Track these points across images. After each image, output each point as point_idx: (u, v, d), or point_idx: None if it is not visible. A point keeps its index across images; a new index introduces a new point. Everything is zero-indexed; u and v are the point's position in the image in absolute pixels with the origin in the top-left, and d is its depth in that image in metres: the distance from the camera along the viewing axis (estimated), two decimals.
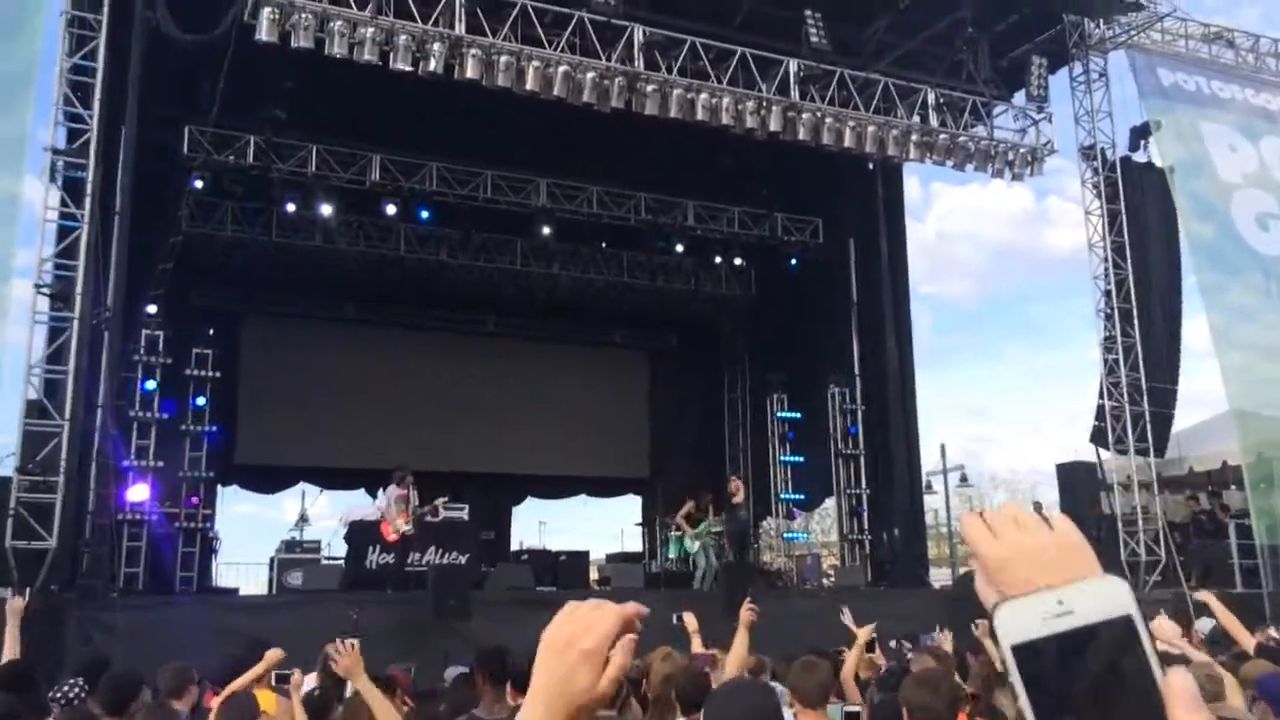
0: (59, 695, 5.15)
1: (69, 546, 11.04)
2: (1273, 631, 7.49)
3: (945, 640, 7.85)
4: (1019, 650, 0.67)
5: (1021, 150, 15.64)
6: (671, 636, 5.59)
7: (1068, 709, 0.65)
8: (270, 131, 15.54)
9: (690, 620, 5.77)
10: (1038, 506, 16.34)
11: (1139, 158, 16.99)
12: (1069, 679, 0.66)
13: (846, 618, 7.71)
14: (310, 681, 5.88)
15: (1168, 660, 0.70)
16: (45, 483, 10.84)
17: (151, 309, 15.44)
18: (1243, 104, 17.94)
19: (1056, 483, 16.91)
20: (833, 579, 18.43)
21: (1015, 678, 0.67)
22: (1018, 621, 0.68)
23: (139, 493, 14.36)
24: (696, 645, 5.73)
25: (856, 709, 4.70)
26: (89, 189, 11.60)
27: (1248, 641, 5.69)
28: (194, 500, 15.86)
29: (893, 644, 9.21)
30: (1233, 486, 17.20)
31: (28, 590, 9.71)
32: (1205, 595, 6.13)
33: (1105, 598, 0.67)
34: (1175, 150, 16.83)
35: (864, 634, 6.75)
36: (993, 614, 0.70)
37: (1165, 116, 16.89)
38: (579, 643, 1.18)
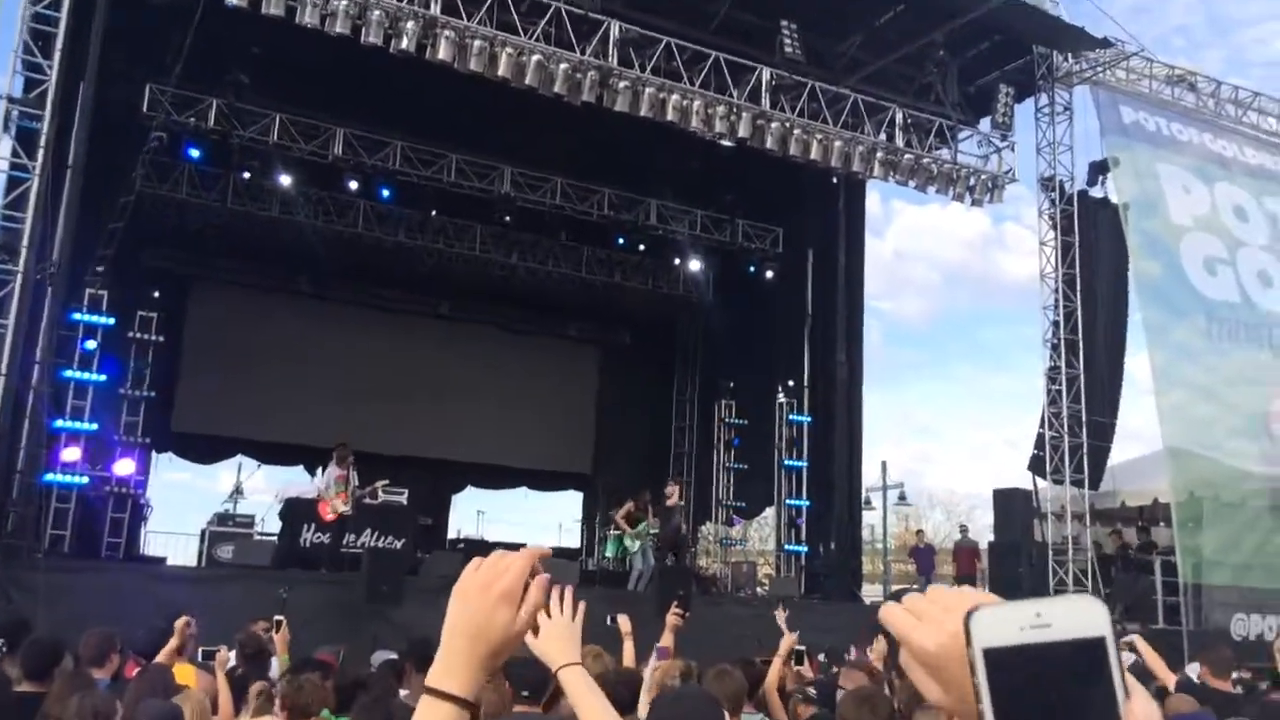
0: None
1: None
2: (1191, 670, 7.63)
3: (878, 653, 7.90)
4: (990, 654, 0.68)
5: (983, 176, 15.85)
6: (606, 637, 5.57)
7: (1027, 717, 0.67)
8: (233, 96, 15.29)
9: (625, 622, 5.74)
10: (963, 529, 16.44)
11: (1096, 192, 17.30)
12: (1035, 690, 0.67)
13: (780, 618, 7.73)
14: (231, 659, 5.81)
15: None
16: None
17: (99, 269, 15.10)
18: (1200, 148, 18.32)
19: (993, 507, 17.15)
20: (767, 588, 18.53)
21: (981, 680, 0.68)
22: (994, 627, 0.69)
23: (71, 454, 14.03)
24: (629, 647, 5.71)
25: None
26: (43, 140, 11.29)
27: (1169, 678, 5.80)
28: (123, 464, 15.53)
29: (821, 657, 9.28)
30: (1162, 523, 17.56)
31: None
32: (1134, 637, 6.25)
33: (1084, 616, 0.69)
34: (1131, 188, 17.15)
35: (786, 643, 6.78)
36: (969, 615, 0.71)
37: (1124, 154, 17.19)
38: (495, 585, 1.25)
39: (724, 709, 4.18)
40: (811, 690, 6.03)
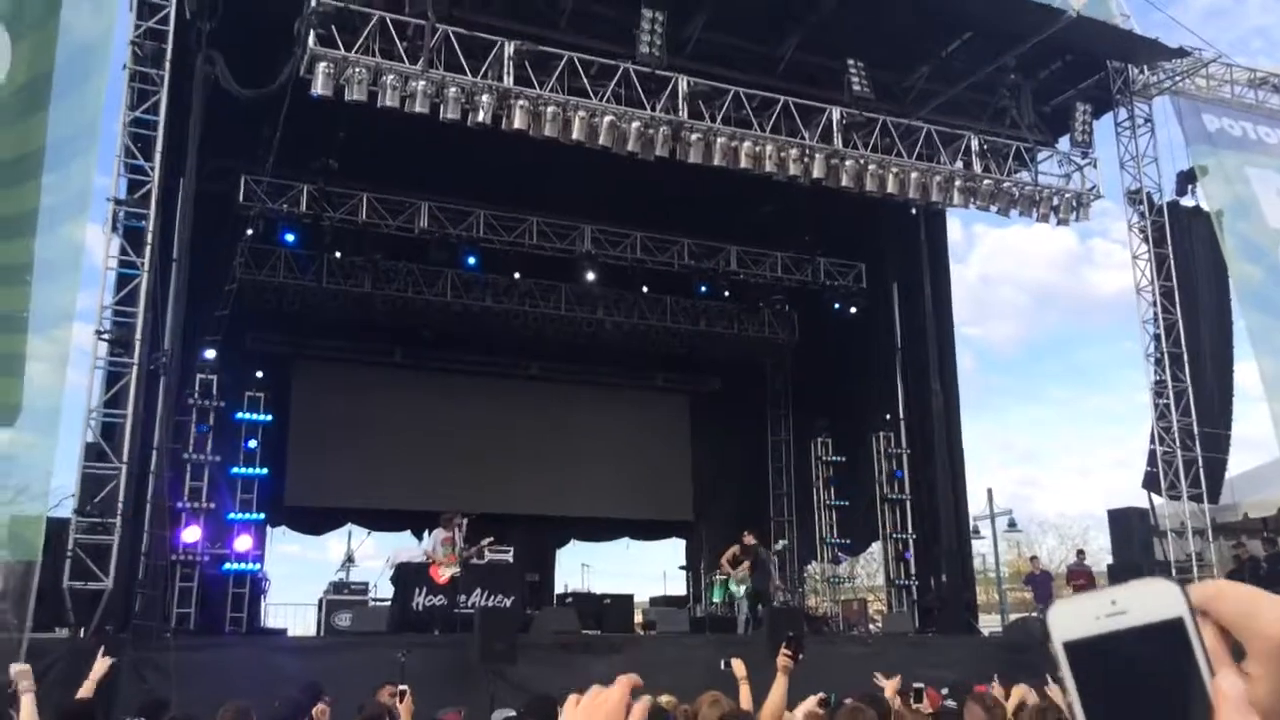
0: None
1: (124, 587, 11.19)
2: None
3: (997, 689, 7.76)
4: (1070, 647, 0.69)
5: (1066, 195, 15.62)
6: (719, 681, 5.61)
7: (1116, 705, 0.67)
8: (323, 180, 15.92)
9: (739, 666, 5.76)
10: (1079, 553, 16.04)
11: (1186, 202, 16.91)
12: (1119, 676, 0.68)
13: (881, 681, 7.50)
14: None
15: None
16: (102, 524, 11.03)
17: (209, 354, 15.76)
18: None
19: (1108, 528, 16.68)
20: (880, 625, 18.24)
21: (1066, 673, 0.69)
22: (1071, 619, 0.70)
23: (191, 534, 14.59)
24: (745, 690, 5.72)
25: None
26: (149, 238, 11.88)
27: None
28: (243, 541, 16.06)
29: (945, 692, 9.12)
30: None
31: (91, 631, 9.89)
32: None
33: (1159, 599, 0.69)
34: (1222, 194, 16.72)
35: (891, 685, 6.70)
36: (1045, 611, 0.73)
37: (1211, 161, 16.80)
38: (596, 717, 1.25)
39: None
40: None
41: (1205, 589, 0.73)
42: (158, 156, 12.13)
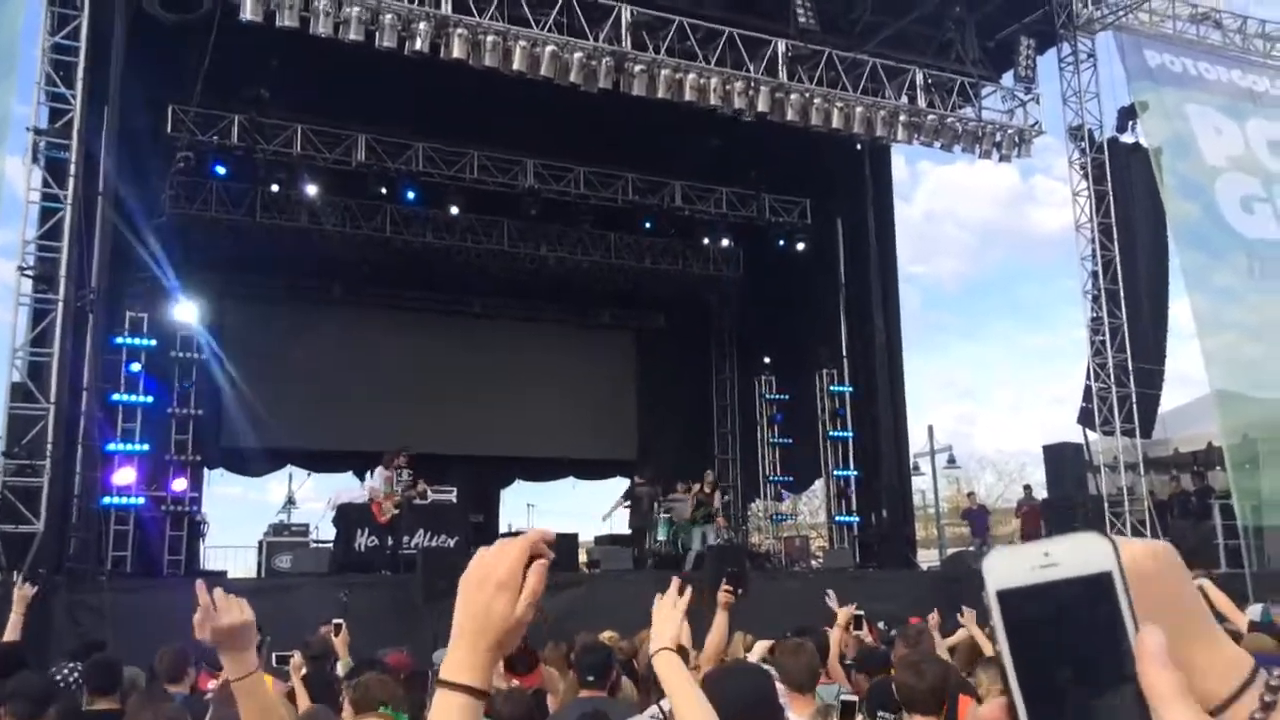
0: (58, 680, 5.14)
1: (56, 530, 10.96)
2: (1253, 611, 7.53)
3: (934, 620, 7.88)
4: (1003, 596, 0.70)
5: (1009, 131, 15.66)
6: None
7: (1044, 655, 0.69)
8: (254, 111, 15.43)
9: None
10: (1027, 489, 16.31)
11: (1126, 139, 17.03)
12: (1048, 627, 0.69)
13: (832, 601, 7.72)
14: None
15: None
16: (31, 466, 10.76)
17: (137, 290, 15.30)
18: (1229, 85, 17.97)
19: (1044, 464, 17.00)
20: (821, 561, 18.50)
21: (997, 621, 0.70)
22: (1004, 569, 0.71)
23: (125, 476, 14.28)
24: (684, 630, 5.71)
25: (854, 698, 4.68)
26: (72, 169, 11.47)
27: (1240, 620, 5.74)
28: (179, 483, 15.79)
29: (881, 624, 9.26)
30: (1218, 467, 17.32)
31: (22, 574, 9.66)
32: (1202, 580, 6.21)
33: (1089, 553, 0.70)
34: (1161, 131, 16.86)
35: (844, 615, 6.79)
36: (982, 560, 0.73)
37: (1152, 97, 16.91)
38: (492, 576, 1.29)
39: (802, 681, 4.19)
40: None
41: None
42: (79, 84, 11.66)
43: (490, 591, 1.29)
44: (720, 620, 5.37)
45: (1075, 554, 0.70)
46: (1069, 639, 0.69)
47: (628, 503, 17.21)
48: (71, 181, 11.44)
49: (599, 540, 18.50)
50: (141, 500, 14.45)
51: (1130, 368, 16.02)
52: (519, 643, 1.36)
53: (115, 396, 14.15)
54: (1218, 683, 0.82)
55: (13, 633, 5.43)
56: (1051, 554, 0.70)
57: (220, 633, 2.27)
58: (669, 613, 2.48)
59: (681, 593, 2.56)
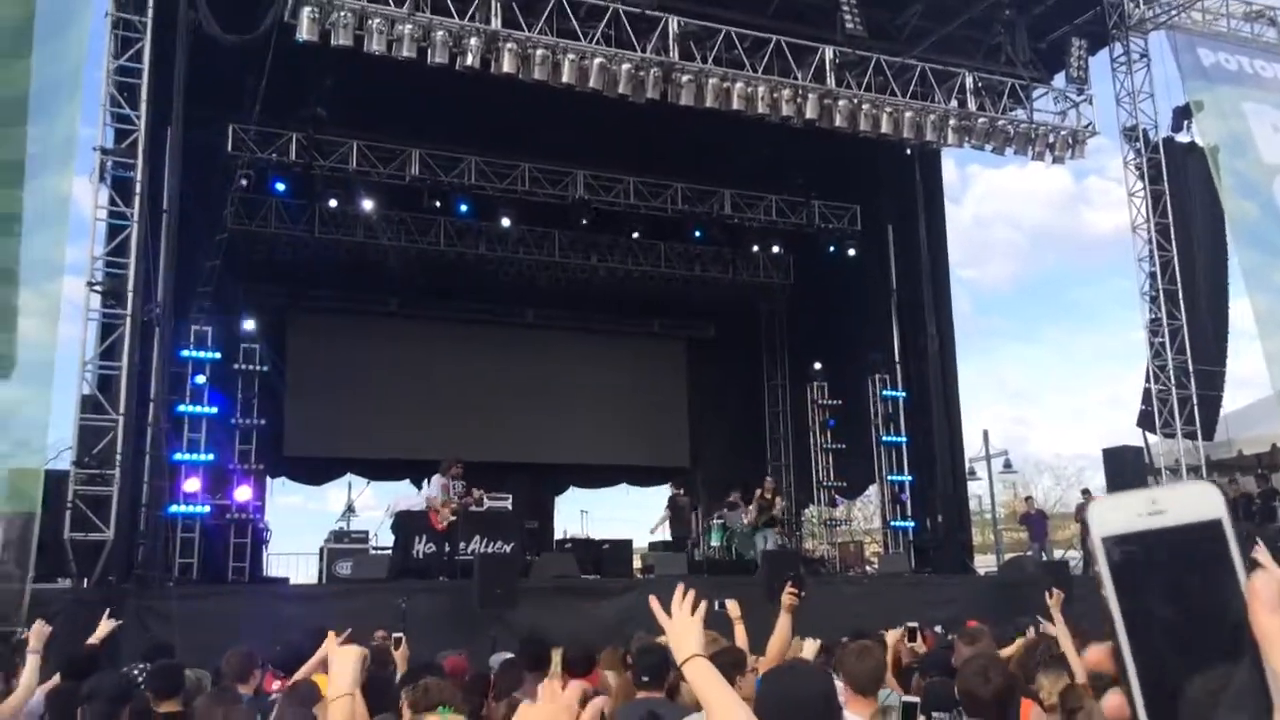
0: (133, 677, 5.35)
1: (125, 538, 11.26)
2: None
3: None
4: (1109, 542, 0.71)
5: (1062, 133, 15.51)
6: (716, 623, 5.64)
7: (1150, 599, 0.69)
8: (312, 128, 15.77)
9: (733, 607, 5.80)
10: (1085, 493, 16.10)
11: (1182, 138, 16.79)
12: (1155, 572, 0.70)
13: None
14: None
15: None
16: (101, 476, 11.08)
17: (201, 305, 15.69)
18: None
19: (1103, 468, 16.77)
20: (876, 566, 18.41)
21: (1103, 567, 0.71)
22: (1110, 515, 0.72)
23: (191, 485, 14.65)
24: (740, 630, 5.77)
25: (916, 700, 4.70)
26: (137, 188, 11.82)
27: None
28: (242, 491, 16.13)
29: (938, 629, 9.23)
30: None
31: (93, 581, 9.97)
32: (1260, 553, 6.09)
33: (1199, 501, 0.71)
34: (1217, 130, 16.60)
35: (894, 635, 6.76)
36: (1085, 506, 0.76)
37: (1207, 96, 16.66)
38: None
39: (865, 685, 4.22)
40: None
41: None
42: (143, 105, 12.01)
43: None
44: (784, 622, 5.45)
45: (1184, 501, 0.71)
46: (1177, 584, 0.69)
47: (668, 513, 17.35)
48: (137, 200, 11.79)
49: (653, 546, 18.59)
50: (207, 509, 14.81)
51: (1190, 369, 15.79)
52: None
53: (181, 408, 14.50)
54: None
55: (30, 676, 5.44)
56: (1159, 501, 0.71)
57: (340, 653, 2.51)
58: (687, 621, 2.40)
59: (686, 597, 2.49)
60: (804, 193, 19.47)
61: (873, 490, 20.99)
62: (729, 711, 2.18)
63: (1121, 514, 0.72)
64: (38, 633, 5.44)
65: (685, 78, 13.45)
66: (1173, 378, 15.75)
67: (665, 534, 17.75)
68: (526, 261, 19.68)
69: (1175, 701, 0.67)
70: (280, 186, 17.21)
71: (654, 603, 2.60)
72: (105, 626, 6.35)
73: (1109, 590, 0.71)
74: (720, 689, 2.24)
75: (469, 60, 12.39)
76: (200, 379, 15.00)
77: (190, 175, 13.00)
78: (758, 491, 16.52)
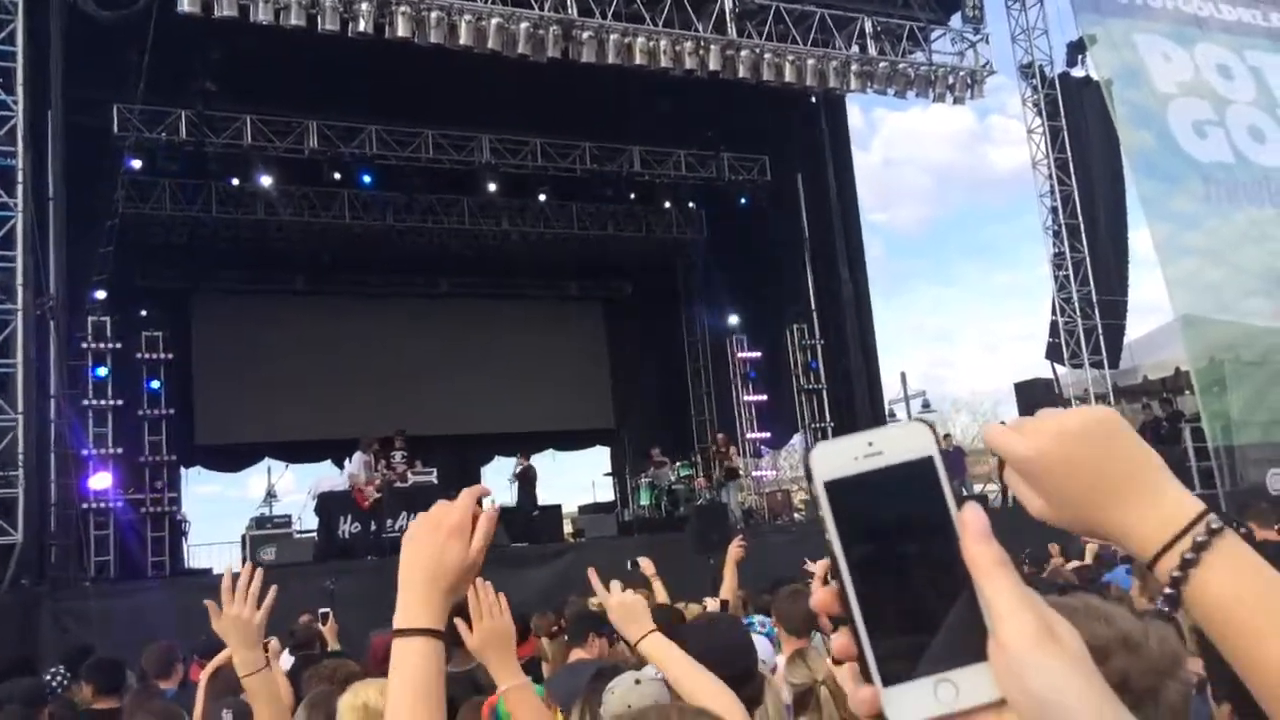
0: (51, 684, 5.18)
1: (35, 539, 10.90)
2: None
3: None
4: (831, 486, 0.72)
5: (961, 73, 15.68)
6: (634, 581, 5.64)
7: (870, 541, 0.71)
8: (201, 105, 15.21)
9: (647, 565, 5.86)
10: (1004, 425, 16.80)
11: (1077, 73, 17.11)
12: (874, 513, 0.71)
13: (811, 567, 7.62)
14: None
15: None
16: (5, 477, 10.68)
17: (100, 294, 15.11)
18: (1174, 12, 18.03)
19: (1015, 401, 17.19)
20: (803, 514, 18.66)
21: (826, 512, 0.72)
22: (831, 460, 0.72)
23: (101, 481, 14.18)
24: (659, 586, 5.81)
25: None
26: (20, 176, 11.33)
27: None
28: (156, 484, 15.68)
29: None
30: (1186, 392, 17.57)
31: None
32: None
33: (911, 439, 0.72)
34: (1111, 62, 16.93)
35: (821, 567, 6.85)
36: (808, 452, 0.75)
37: (1099, 29, 16.96)
38: (444, 524, 1.36)
39: (797, 626, 4.29)
40: None
41: (984, 430, 0.90)
42: (20, 89, 11.50)
43: (442, 539, 1.35)
44: (730, 572, 5.84)
45: (898, 442, 0.72)
46: (895, 524, 0.71)
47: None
48: (20, 189, 11.29)
49: (583, 509, 18.58)
50: (120, 504, 14.36)
51: (1094, 300, 16.21)
52: (467, 589, 1.42)
53: (85, 401, 14.00)
54: (1155, 535, 0.86)
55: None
56: (875, 443, 0.72)
57: (227, 622, 2.31)
58: (631, 603, 2.55)
59: (612, 584, 2.68)
60: (713, 146, 19.40)
61: (797, 439, 21.23)
62: (693, 678, 2.31)
63: (841, 458, 0.72)
64: None
65: (585, 34, 13.27)
66: (1078, 309, 16.16)
67: (596, 493, 17.76)
68: (436, 230, 19.35)
69: (899, 639, 0.69)
70: (172, 166, 16.56)
71: (593, 575, 2.76)
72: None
73: (832, 535, 0.71)
74: (679, 658, 2.39)
75: (361, 26, 12.06)
76: (102, 371, 14.50)
77: (76, 160, 12.46)
78: (713, 448, 16.62)
